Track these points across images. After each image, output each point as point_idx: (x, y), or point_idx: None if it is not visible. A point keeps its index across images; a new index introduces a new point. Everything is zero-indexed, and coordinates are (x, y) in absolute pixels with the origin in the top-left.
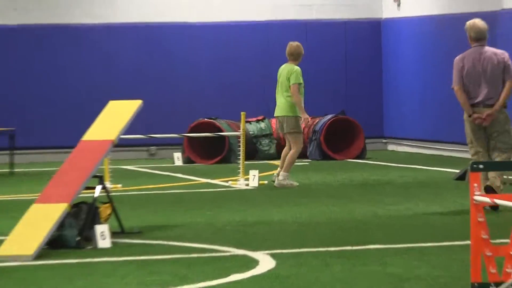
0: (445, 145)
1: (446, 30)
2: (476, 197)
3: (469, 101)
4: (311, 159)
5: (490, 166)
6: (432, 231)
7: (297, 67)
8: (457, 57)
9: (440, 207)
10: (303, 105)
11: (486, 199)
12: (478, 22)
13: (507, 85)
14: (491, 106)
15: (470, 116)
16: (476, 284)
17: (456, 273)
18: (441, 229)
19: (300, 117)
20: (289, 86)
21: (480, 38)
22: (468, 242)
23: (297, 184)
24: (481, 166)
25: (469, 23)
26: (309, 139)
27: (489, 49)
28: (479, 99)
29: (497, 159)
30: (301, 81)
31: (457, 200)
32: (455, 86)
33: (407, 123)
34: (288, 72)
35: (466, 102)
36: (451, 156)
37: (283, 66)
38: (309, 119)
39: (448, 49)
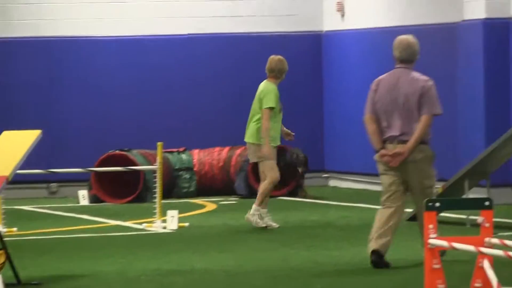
0: None
1: None
2: (431, 241)
3: (381, 135)
4: (238, 195)
5: (448, 204)
6: (381, 280)
7: (273, 87)
8: (375, 79)
9: (390, 252)
10: (269, 134)
11: (443, 243)
12: (406, 39)
13: (423, 120)
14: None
15: (377, 151)
16: None
17: None
18: (392, 278)
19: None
20: (260, 109)
21: (404, 59)
22: None
23: (277, 225)
24: (437, 204)
25: (396, 39)
26: (236, 171)
27: (410, 74)
28: (392, 133)
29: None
30: (274, 104)
31: (410, 245)
32: (365, 114)
33: (352, 155)
34: (262, 92)
35: (375, 135)
36: None
37: (262, 83)
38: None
39: None
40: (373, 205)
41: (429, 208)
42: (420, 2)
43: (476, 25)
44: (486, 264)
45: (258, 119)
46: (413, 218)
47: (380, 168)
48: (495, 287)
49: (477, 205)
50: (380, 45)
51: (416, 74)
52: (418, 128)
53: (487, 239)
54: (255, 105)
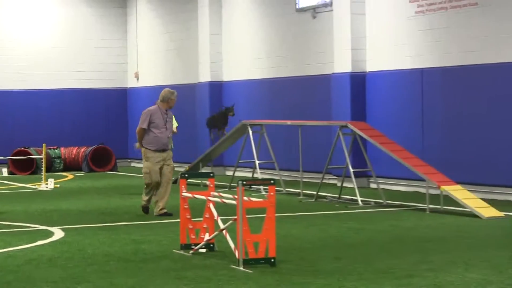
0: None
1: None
2: (183, 194)
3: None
4: (84, 172)
5: (192, 175)
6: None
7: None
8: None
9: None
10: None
11: (189, 195)
12: (164, 89)
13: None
14: None
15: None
16: (183, 244)
17: (173, 238)
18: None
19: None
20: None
21: (160, 99)
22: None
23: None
24: (186, 175)
25: None
26: (82, 160)
27: (153, 106)
28: None
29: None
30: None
31: (175, 196)
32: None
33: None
34: None
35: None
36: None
37: None
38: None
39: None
40: None
41: (182, 177)
42: (177, 68)
43: (205, 86)
44: (211, 205)
45: None
46: (174, 182)
47: None
48: (216, 217)
49: (207, 175)
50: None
51: (154, 106)
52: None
53: (212, 192)
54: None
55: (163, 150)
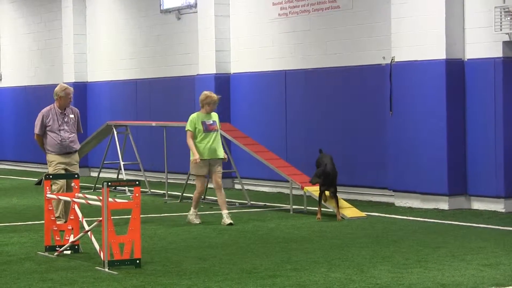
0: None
1: (38, 99)
2: (48, 195)
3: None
4: None
5: (56, 176)
6: (13, 214)
7: (192, 115)
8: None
9: (28, 200)
10: (193, 148)
11: (54, 196)
12: (60, 85)
13: None
14: None
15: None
16: (47, 246)
17: (37, 240)
18: (22, 213)
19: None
20: None
21: (53, 97)
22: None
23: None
24: (51, 176)
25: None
26: None
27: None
28: None
29: None
30: (189, 127)
31: (36, 196)
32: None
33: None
34: None
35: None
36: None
37: None
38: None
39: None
40: (16, 176)
41: (46, 178)
42: (41, 69)
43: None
44: (76, 207)
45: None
46: (38, 183)
47: None
48: (81, 218)
49: (72, 177)
50: (32, 98)
51: (49, 106)
52: None
53: (76, 194)
54: None
55: (67, 153)
